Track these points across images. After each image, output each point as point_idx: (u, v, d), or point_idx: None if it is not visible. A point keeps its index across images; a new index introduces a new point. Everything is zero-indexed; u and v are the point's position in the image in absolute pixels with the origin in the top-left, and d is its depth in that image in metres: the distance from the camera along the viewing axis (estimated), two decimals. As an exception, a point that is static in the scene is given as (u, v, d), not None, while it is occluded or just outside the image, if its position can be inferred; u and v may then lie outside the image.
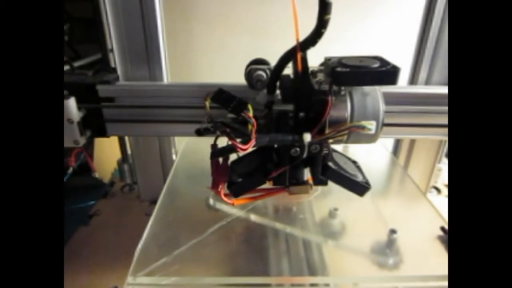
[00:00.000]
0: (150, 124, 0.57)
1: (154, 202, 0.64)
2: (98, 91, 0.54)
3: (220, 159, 0.45)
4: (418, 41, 0.62)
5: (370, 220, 0.52)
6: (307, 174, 0.43)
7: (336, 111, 0.37)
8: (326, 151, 0.41)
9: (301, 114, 0.38)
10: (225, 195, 0.42)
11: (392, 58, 0.38)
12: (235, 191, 0.42)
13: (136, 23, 0.55)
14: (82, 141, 0.52)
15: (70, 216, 0.73)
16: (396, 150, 0.75)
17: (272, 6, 0.78)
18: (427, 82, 0.63)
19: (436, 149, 0.73)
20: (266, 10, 0.78)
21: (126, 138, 0.74)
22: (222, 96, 0.41)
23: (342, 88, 0.38)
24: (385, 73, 0.35)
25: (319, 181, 0.42)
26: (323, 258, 0.44)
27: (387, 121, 0.56)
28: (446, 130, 0.57)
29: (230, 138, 0.37)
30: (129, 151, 0.75)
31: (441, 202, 0.77)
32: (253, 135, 0.36)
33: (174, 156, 0.73)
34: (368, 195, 0.43)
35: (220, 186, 0.42)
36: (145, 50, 0.57)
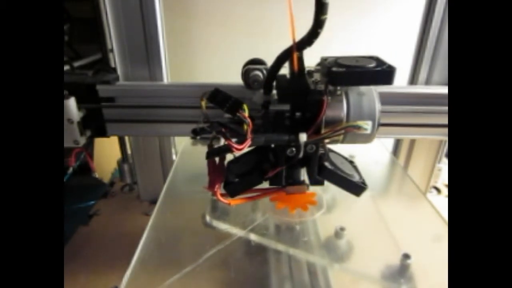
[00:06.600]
0: (150, 124, 0.57)
1: (154, 202, 0.64)
2: (98, 91, 0.54)
3: (217, 159, 0.44)
4: (418, 41, 0.62)
5: (380, 240, 0.47)
6: (304, 174, 0.43)
7: (332, 111, 0.37)
8: (322, 151, 0.41)
9: (298, 114, 0.38)
10: (222, 195, 0.42)
11: (392, 58, 0.38)
12: (232, 191, 0.42)
13: (136, 23, 0.55)
14: (82, 141, 0.52)
15: (70, 216, 0.73)
16: (396, 150, 0.75)
17: (272, 6, 0.78)
18: (427, 82, 0.63)
19: (436, 149, 0.73)
20: (266, 10, 0.78)
21: (126, 138, 0.74)
22: (218, 96, 0.41)
23: (338, 88, 0.38)
24: (380, 73, 0.35)
25: (316, 181, 0.41)
26: (330, 284, 0.41)
27: (387, 121, 0.57)
28: (446, 130, 0.57)
29: (225, 138, 0.37)
30: (129, 151, 0.75)
31: (441, 202, 0.77)
32: (249, 135, 0.36)
33: (174, 156, 0.73)
34: (369, 199, 0.42)
35: (217, 186, 0.42)
36: (145, 50, 0.57)
